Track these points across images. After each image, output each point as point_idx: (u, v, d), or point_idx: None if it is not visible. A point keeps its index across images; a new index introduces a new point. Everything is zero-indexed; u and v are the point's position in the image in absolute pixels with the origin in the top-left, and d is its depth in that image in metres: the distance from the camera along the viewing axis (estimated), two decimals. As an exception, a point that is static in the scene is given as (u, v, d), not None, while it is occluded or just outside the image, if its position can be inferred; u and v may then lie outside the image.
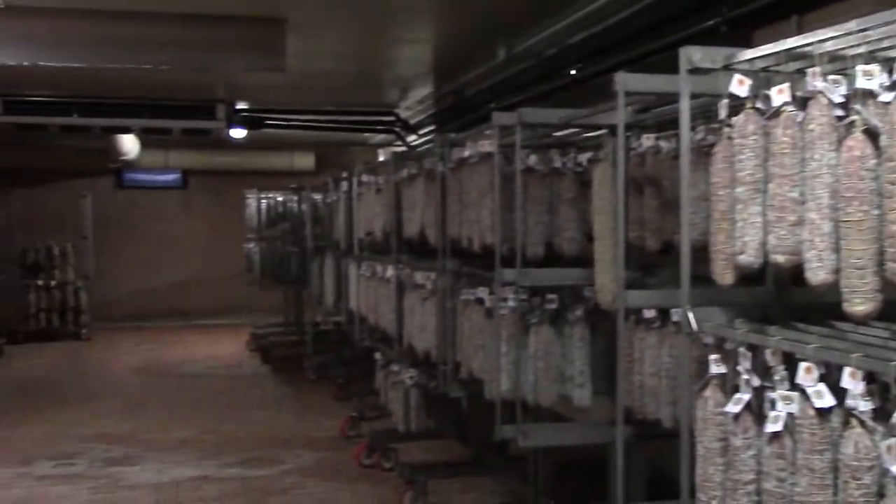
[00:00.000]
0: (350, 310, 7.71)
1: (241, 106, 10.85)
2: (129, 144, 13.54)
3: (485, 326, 4.28)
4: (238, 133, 11.57)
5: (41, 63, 6.48)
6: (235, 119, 10.77)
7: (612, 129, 3.66)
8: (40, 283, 13.11)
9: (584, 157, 4.29)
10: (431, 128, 10.64)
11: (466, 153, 4.41)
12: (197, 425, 7.82)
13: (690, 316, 2.52)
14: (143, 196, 15.70)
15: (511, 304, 4.01)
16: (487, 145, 4.12)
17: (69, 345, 12.80)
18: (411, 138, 11.17)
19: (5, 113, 9.66)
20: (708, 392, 2.45)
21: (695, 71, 2.53)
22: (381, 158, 14.95)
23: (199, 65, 6.86)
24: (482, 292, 4.30)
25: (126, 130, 12.22)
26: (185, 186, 15.91)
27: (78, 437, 7.37)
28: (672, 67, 2.65)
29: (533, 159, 4.17)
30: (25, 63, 6.44)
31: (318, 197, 10.23)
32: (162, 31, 6.50)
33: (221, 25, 6.55)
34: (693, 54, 2.49)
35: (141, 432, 7.57)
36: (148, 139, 13.58)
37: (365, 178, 6.88)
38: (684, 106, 2.55)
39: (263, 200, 12.28)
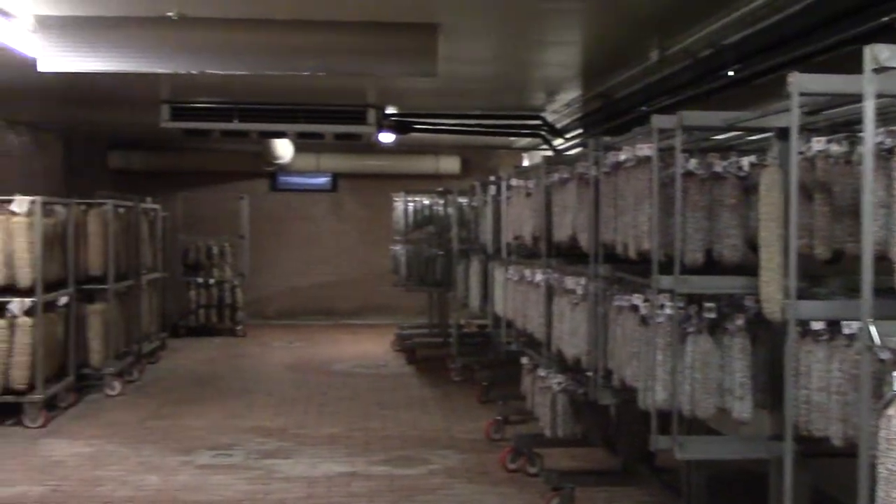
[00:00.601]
0: (496, 313, 7.73)
1: (390, 110, 11.09)
2: (284, 148, 14.08)
3: (639, 334, 4.19)
4: (387, 137, 11.83)
5: (209, 71, 6.80)
6: (385, 123, 11.01)
7: (780, 132, 3.52)
8: (200, 280, 13.79)
9: (745, 161, 4.13)
10: (578, 131, 10.54)
11: (622, 157, 4.33)
12: (346, 422, 8.03)
13: (873, 329, 2.38)
14: (295, 198, 16.27)
15: (668, 311, 3.91)
16: (646, 149, 4.03)
17: (225, 340, 13.41)
18: (557, 142, 11.11)
19: (173, 119, 10.22)
20: (891, 411, 2.31)
21: (879, 70, 2.39)
22: (525, 162, 14.95)
23: (355, 71, 7.04)
24: (637, 299, 4.21)
25: (281, 135, 12.72)
26: (334, 189, 16.38)
27: (235, 429, 7.70)
28: (833, 68, 2.52)
29: (692, 163, 4.04)
30: (195, 72, 6.79)
31: (463, 200, 10.31)
32: (320, 38, 6.72)
33: (376, 32, 6.70)
34: (880, 52, 2.35)
35: (293, 426, 7.83)
36: (301, 143, 14.09)
37: (514, 181, 6.88)
38: (869, 107, 2.41)
39: (410, 203, 12.47)
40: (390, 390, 9.58)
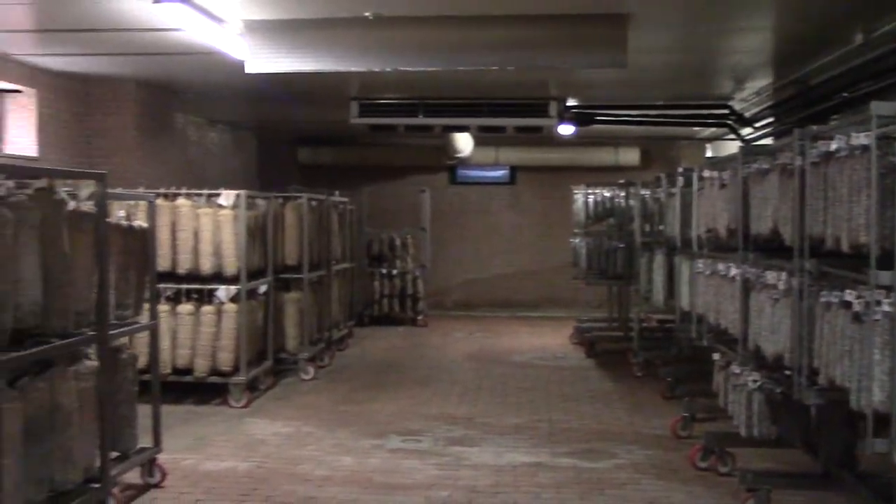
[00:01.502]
0: (682, 308, 7.55)
1: (571, 103, 11.03)
2: (464, 142, 14.29)
3: (852, 332, 3.99)
4: (566, 129, 11.77)
5: (402, 68, 7.02)
6: (566, 116, 10.97)
7: None
8: (384, 271, 14.24)
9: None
10: (769, 120, 10.11)
11: (834, 146, 4.13)
12: (529, 413, 8.09)
13: None
14: (473, 191, 16.50)
15: (886, 308, 3.70)
16: (862, 137, 3.82)
17: (408, 329, 13.79)
18: (746, 131, 10.70)
19: (361, 115, 10.60)
20: None
21: None
22: (709, 153, 14.49)
23: (545, 63, 7.06)
24: (849, 295, 4.01)
25: (464, 129, 12.93)
26: (512, 182, 16.49)
27: (422, 416, 7.92)
28: None
29: (914, 152, 3.80)
30: (388, 69, 7.02)
31: (646, 192, 10.12)
32: (510, 32, 6.79)
33: (566, 24, 6.70)
34: None
35: (478, 415, 7.97)
36: (481, 137, 14.26)
37: (707, 173, 6.69)
38: None
39: (590, 195, 12.37)
40: (571, 383, 9.56)
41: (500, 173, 16.44)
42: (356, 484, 5.98)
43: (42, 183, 4.61)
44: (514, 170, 16.38)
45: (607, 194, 12.20)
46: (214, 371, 8.10)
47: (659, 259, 8.58)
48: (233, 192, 8.21)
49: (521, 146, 15.59)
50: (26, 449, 4.23)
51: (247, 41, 6.92)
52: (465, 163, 15.90)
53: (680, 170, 7.95)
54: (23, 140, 8.97)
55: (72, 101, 9.59)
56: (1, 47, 7.97)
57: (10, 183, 4.37)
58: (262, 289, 8.73)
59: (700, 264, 6.79)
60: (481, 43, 6.84)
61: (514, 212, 16.55)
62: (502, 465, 6.45)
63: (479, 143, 14.92)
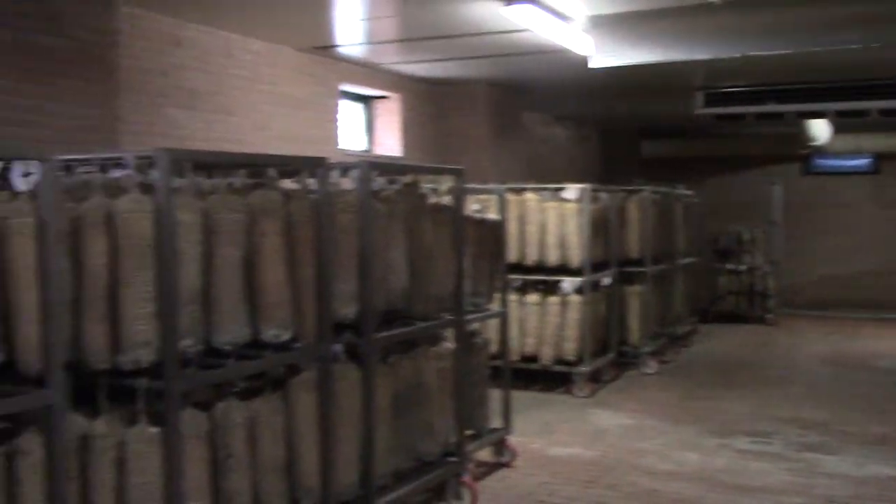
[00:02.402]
0: None
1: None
2: (820, 130, 13.34)
3: None
4: (944, 111, 10.53)
5: (752, 53, 6.72)
6: (944, 95, 9.82)
7: None
8: (729, 267, 13.71)
9: None
10: None
11: None
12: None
13: None
14: (830, 182, 15.36)
15: None
16: None
17: (754, 328, 13.14)
18: None
19: (706, 105, 10.30)
20: None
21: None
22: None
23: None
24: None
25: (820, 115, 12.07)
26: (876, 171, 15.09)
27: (772, 418, 7.53)
28: None
29: None
30: (737, 55, 6.76)
31: None
32: (872, 6, 6.23)
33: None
34: None
35: (835, 422, 7.41)
36: (840, 123, 13.22)
37: None
38: None
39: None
40: (947, 394, 8.57)
41: (861, 162, 15.12)
42: (702, 481, 5.84)
43: (408, 179, 5.06)
44: (877, 158, 14.97)
45: None
46: (559, 360, 8.33)
47: None
48: (577, 187, 8.38)
49: (886, 132, 14.20)
50: (394, 420, 4.67)
51: (591, 37, 7.02)
52: (820, 151, 14.83)
53: None
54: (389, 141, 9.88)
55: (430, 104, 10.36)
56: (373, 58, 8.82)
57: (382, 179, 4.85)
58: (606, 281, 8.82)
59: None
60: (839, 20, 6.35)
61: (878, 204, 15.14)
62: (864, 476, 5.96)
63: (837, 129, 13.83)
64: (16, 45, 4.88)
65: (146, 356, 3.26)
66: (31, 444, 2.97)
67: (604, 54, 6.99)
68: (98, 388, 3.30)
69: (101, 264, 3.24)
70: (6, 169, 3.15)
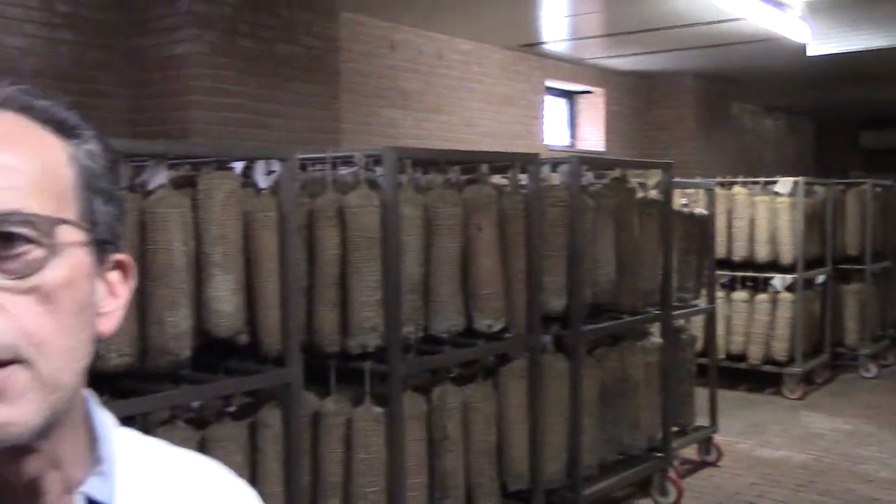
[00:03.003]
0: None
1: None
2: None
3: None
4: None
5: None
6: None
7: None
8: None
9: None
10: None
11: None
12: None
13: None
14: None
15: None
16: None
17: None
18: None
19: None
20: None
21: None
22: None
23: None
24: None
25: None
26: None
27: None
28: None
29: None
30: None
31: None
32: None
33: None
34: None
35: None
36: None
37: None
38: None
39: None
40: None
41: None
42: (927, 493, 5.51)
43: (616, 173, 5.08)
44: None
45: None
46: (768, 360, 8.04)
47: None
48: (790, 180, 8.04)
49: None
50: (600, 412, 4.73)
51: (808, 23, 6.74)
52: None
53: None
54: (592, 136, 9.88)
55: (634, 98, 10.26)
56: (577, 53, 8.86)
57: (590, 174, 4.91)
58: (820, 279, 8.42)
59: None
60: None
61: None
62: None
63: None
64: (259, 54, 5.33)
65: (373, 341, 3.50)
66: (271, 418, 3.27)
67: (822, 41, 6.70)
68: (328, 369, 3.58)
69: (333, 255, 3.51)
70: (249, 167, 3.47)
